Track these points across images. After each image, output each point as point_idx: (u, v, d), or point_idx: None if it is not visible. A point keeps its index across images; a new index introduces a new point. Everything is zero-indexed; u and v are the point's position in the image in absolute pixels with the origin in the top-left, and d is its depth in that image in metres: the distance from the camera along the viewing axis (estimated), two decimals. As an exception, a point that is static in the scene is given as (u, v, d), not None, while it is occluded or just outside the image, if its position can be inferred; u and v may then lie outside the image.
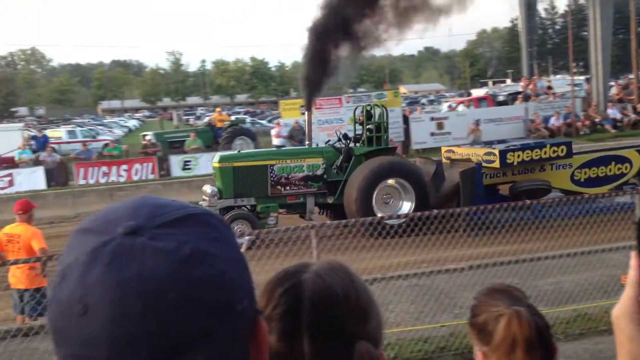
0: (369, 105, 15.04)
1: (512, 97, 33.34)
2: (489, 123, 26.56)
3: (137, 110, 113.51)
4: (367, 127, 14.04)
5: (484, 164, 12.98)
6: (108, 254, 0.72)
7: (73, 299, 0.71)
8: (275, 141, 25.32)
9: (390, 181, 13.11)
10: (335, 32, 14.58)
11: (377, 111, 14.29)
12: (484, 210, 9.06)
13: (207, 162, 23.72)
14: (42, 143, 25.99)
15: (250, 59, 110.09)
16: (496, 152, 12.88)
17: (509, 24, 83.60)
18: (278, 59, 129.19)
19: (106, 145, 27.71)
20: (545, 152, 13.15)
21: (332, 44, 14.60)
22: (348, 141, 14.10)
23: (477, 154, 13.47)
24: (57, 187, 21.45)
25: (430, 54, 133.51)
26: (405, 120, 26.55)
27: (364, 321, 1.11)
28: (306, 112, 15.43)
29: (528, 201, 9.48)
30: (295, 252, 7.86)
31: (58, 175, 22.62)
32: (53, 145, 26.68)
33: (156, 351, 0.71)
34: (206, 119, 34.80)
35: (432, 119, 27.38)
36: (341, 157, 13.84)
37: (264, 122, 48.17)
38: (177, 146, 25.22)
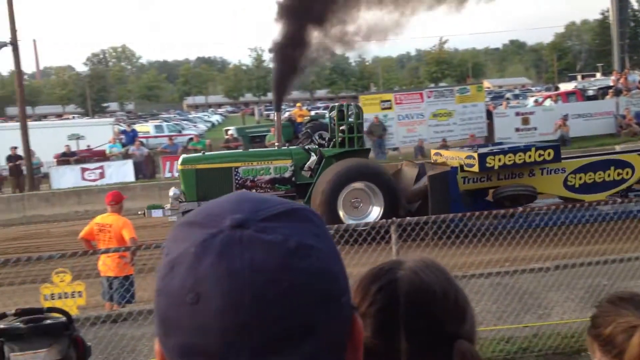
0: (342, 105, 14.55)
1: (602, 92, 31.93)
2: (578, 118, 25.59)
3: (220, 105, 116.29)
4: (340, 128, 13.58)
5: (465, 168, 12.47)
6: (218, 245, 0.74)
7: (184, 289, 0.73)
8: (355, 136, 25.30)
9: (357, 185, 12.56)
10: (302, 29, 14.42)
11: (351, 111, 13.80)
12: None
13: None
14: (131, 137, 27.03)
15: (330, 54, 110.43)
16: (475, 155, 12.33)
17: (599, 16, 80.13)
18: (358, 54, 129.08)
19: (191, 139, 28.52)
20: (530, 156, 12.40)
21: (301, 41, 14.38)
22: (324, 142, 13.89)
23: (459, 157, 12.93)
24: (145, 180, 22.27)
25: (515, 47, 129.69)
26: (489, 115, 25.93)
27: (462, 320, 1.10)
28: (275, 113, 15.42)
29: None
30: (374, 247, 7.82)
31: (146, 168, 23.49)
32: (141, 140, 27.73)
33: (266, 340, 0.72)
34: (286, 114, 35.17)
35: (517, 114, 26.60)
36: (312, 159, 13.46)
37: (343, 117, 48.24)
38: (258, 141, 25.62)
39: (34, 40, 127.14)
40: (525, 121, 25.75)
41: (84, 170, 22.70)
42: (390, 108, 25.35)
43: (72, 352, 5.19)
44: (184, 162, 13.60)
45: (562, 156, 12.96)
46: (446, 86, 39.69)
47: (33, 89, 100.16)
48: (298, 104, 32.49)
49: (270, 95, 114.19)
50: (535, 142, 15.38)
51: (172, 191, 13.43)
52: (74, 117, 70.43)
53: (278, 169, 13.26)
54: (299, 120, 27.25)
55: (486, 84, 58.08)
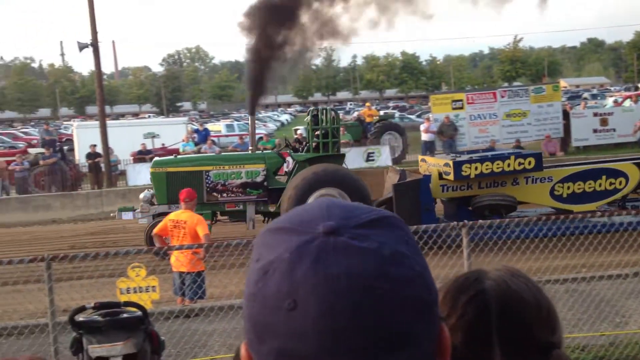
0: (316, 109, 14.19)
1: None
2: (659, 120, 24.47)
3: (289, 105, 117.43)
4: (315, 132, 13.36)
5: (444, 176, 12.17)
6: (313, 251, 0.74)
7: (281, 294, 0.74)
8: (424, 136, 25.03)
9: (326, 191, 12.27)
10: (276, 31, 14.14)
11: (326, 116, 13.50)
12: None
13: (355, 157, 24.02)
14: (203, 136, 27.62)
15: (401, 53, 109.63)
16: (451, 163, 11.96)
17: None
18: (429, 53, 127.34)
19: (260, 138, 28.89)
20: (509, 165, 11.95)
21: (275, 44, 14.09)
22: (300, 146, 13.62)
23: (439, 164, 12.61)
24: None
25: (593, 46, 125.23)
26: (566, 115, 25.13)
27: (553, 329, 1.09)
28: (249, 117, 15.02)
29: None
30: (445, 250, 7.69)
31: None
32: (213, 138, 28.30)
33: (363, 347, 0.72)
34: (355, 114, 35.13)
35: (595, 114, 25.66)
36: (286, 164, 13.24)
37: (412, 117, 47.83)
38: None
39: (113, 42, 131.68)
40: (604, 122, 24.83)
41: (158, 167, 23.32)
42: (461, 108, 24.95)
43: (147, 345, 5.28)
44: (155, 164, 13.60)
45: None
46: (521, 85, 38.70)
47: (112, 89, 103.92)
48: (367, 104, 32.38)
49: (339, 95, 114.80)
50: (516, 150, 14.93)
51: (142, 194, 13.43)
52: (149, 116, 72.72)
53: (250, 173, 13.09)
54: (367, 120, 27.15)
55: (563, 83, 56.32)
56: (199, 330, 6.89)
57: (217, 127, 40.83)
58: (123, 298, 6.61)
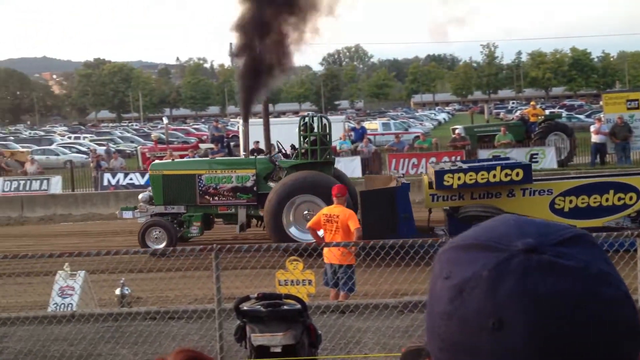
0: (307, 116, 14.23)
1: None
2: None
3: (447, 103, 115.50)
4: (305, 139, 13.22)
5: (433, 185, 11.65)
6: (517, 269, 0.72)
7: (484, 314, 0.72)
8: (595, 138, 23.48)
9: (305, 197, 12.44)
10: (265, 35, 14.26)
11: (318, 123, 13.55)
12: None
13: (517, 158, 23.07)
14: (360, 134, 27.96)
15: (570, 50, 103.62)
16: (432, 172, 11.44)
17: None
18: (602, 49, 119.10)
19: (417, 137, 28.70)
20: (494, 176, 11.29)
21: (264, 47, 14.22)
22: (293, 152, 13.62)
23: (431, 173, 12.04)
24: (371, 176, 22.87)
25: None
26: None
27: None
28: (243, 123, 15.04)
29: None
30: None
31: (372, 165, 24.13)
32: (369, 137, 28.55)
33: None
34: (518, 113, 33.75)
35: None
36: (275, 170, 13.39)
37: (581, 117, 45.11)
38: (486, 140, 24.93)
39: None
40: None
41: (316, 164, 23.99)
42: (637, 108, 23.15)
43: (305, 338, 5.47)
44: (153, 167, 14.32)
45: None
46: None
47: (274, 88, 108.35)
48: (532, 102, 30.94)
49: (500, 93, 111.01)
50: (505, 161, 13.76)
51: (141, 195, 14.08)
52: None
53: (240, 178, 13.44)
54: (532, 119, 25.96)
55: None
56: (353, 326, 6.98)
57: (373, 125, 41.19)
58: (282, 290, 6.88)
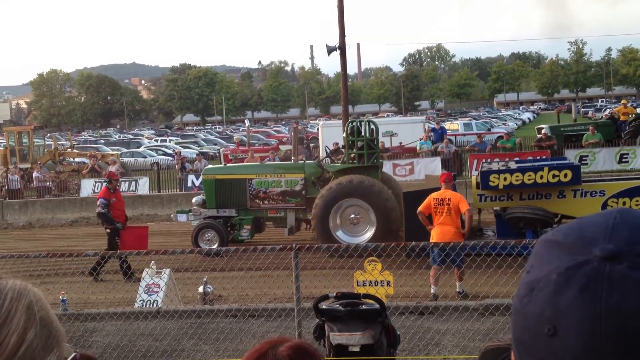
0: (353, 121, 14.12)
1: None
2: None
3: (532, 103, 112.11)
4: (352, 144, 13.23)
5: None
6: (583, 278, 0.68)
7: (542, 318, 0.70)
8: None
9: (351, 201, 12.54)
10: None
11: (365, 128, 13.53)
12: None
13: (606, 158, 22.14)
14: (440, 135, 27.56)
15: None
16: (478, 172, 11.18)
17: None
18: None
19: (500, 137, 28.00)
20: (541, 177, 10.91)
21: None
22: (337, 157, 13.66)
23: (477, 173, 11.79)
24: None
25: None
26: None
27: None
28: (293, 127, 14.77)
29: None
30: None
31: (453, 165, 23.73)
32: (450, 137, 28.09)
33: None
34: (607, 112, 32.36)
35: None
36: (323, 174, 13.42)
37: (677, 114, 42.70)
38: (574, 140, 24.03)
39: (358, 44, 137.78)
40: None
41: (395, 166, 23.83)
42: None
43: (384, 338, 5.42)
44: (206, 172, 14.70)
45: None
46: None
47: (354, 89, 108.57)
48: (623, 101, 29.60)
49: (589, 92, 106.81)
50: (552, 162, 12.96)
51: (195, 198, 14.37)
52: (387, 115, 74.62)
53: (289, 182, 13.62)
54: (622, 118, 24.83)
55: None
56: (432, 328, 6.88)
57: (454, 125, 40.50)
58: (360, 290, 6.86)
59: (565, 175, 11.28)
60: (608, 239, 0.69)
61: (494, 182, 11.46)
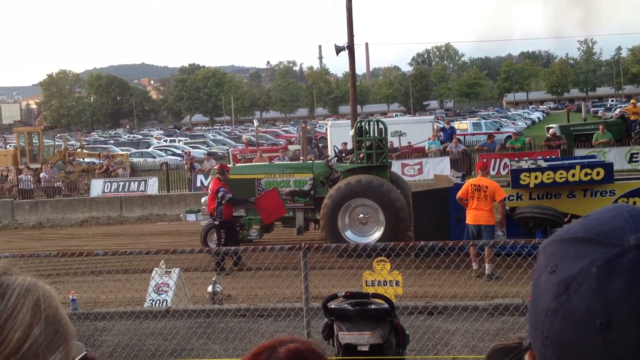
0: (362, 121, 14.00)
1: None
2: None
3: (541, 102, 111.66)
4: (360, 144, 13.17)
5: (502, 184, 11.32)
6: (628, 267, 0.69)
7: (591, 313, 0.69)
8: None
9: (359, 201, 12.53)
10: None
11: (374, 127, 13.50)
12: None
13: (616, 157, 22.00)
14: (449, 134, 27.49)
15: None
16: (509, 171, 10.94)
17: None
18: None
19: (509, 137, 27.90)
20: (574, 175, 10.62)
21: None
22: (345, 157, 13.73)
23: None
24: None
25: None
26: None
27: None
28: (301, 127, 14.39)
29: None
30: None
31: (461, 165, 23.67)
32: (459, 137, 28.00)
33: None
34: (617, 111, 32.20)
35: None
36: (332, 174, 13.42)
37: (688, 113, 42.41)
38: (583, 139, 23.92)
39: (366, 44, 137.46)
40: None
41: (403, 165, 23.78)
42: None
43: (393, 337, 5.41)
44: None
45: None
46: None
47: (363, 89, 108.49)
48: (632, 100, 29.44)
49: (599, 91, 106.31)
50: (584, 160, 12.60)
51: (204, 198, 14.14)
52: (396, 115, 74.52)
53: (298, 182, 13.64)
54: (632, 117, 24.71)
55: None
56: (442, 328, 6.87)
57: (463, 125, 40.38)
58: (369, 290, 6.86)
59: (598, 174, 11.06)
60: (637, 229, 0.70)
61: (524, 180, 11.24)
